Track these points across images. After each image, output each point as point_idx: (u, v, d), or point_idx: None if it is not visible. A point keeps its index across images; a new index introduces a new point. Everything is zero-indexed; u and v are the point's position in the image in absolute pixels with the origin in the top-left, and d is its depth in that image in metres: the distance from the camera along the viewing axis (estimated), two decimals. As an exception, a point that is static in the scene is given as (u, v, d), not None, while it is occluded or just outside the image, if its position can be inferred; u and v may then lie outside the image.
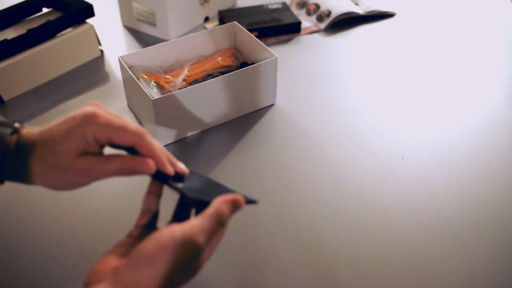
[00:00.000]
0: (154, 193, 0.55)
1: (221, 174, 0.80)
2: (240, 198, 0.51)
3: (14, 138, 0.51)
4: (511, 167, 0.82)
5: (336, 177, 0.80)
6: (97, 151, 0.51)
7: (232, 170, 0.81)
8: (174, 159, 0.54)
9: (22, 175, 0.51)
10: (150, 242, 0.46)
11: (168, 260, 0.45)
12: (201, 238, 0.47)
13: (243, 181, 0.79)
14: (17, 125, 0.52)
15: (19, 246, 0.69)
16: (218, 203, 0.50)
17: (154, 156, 0.51)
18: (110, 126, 0.50)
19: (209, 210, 0.49)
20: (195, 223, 0.48)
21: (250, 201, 0.53)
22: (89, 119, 0.49)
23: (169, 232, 0.47)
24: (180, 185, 0.53)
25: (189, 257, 0.47)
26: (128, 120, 0.52)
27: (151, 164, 0.51)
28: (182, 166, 0.55)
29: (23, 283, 0.65)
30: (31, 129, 0.52)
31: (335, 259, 0.68)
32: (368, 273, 0.66)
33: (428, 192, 0.77)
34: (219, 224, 0.49)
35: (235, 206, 0.51)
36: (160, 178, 0.53)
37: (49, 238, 0.70)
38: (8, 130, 0.51)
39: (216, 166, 0.81)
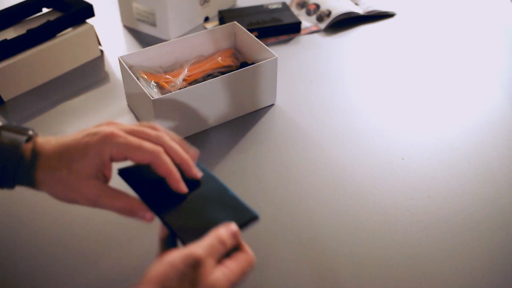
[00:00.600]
0: None
1: (221, 174, 0.80)
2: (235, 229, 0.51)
3: (29, 146, 0.52)
4: (511, 167, 0.82)
5: (336, 177, 0.80)
6: (108, 174, 0.54)
7: (232, 170, 0.81)
8: (190, 162, 0.55)
9: (28, 182, 0.53)
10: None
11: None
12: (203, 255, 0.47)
13: (243, 181, 0.79)
14: (31, 132, 0.53)
15: (19, 246, 0.69)
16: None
17: (168, 174, 0.53)
18: (128, 146, 0.51)
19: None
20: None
21: (249, 220, 0.53)
22: (108, 139, 0.51)
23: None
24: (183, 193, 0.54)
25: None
26: (145, 131, 0.54)
27: (148, 218, 0.53)
28: (197, 174, 0.56)
29: (23, 283, 0.65)
30: (47, 139, 0.53)
31: (335, 259, 0.68)
32: (368, 273, 0.66)
33: (428, 192, 0.77)
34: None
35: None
36: (157, 209, 0.53)
37: (49, 238, 0.70)
38: (23, 138, 0.52)
39: (216, 166, 0.81)
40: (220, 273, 0.47)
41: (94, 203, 0.53)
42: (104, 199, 0.52)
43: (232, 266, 0.48)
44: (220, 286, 0.46)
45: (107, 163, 0.52)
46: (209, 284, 0.45)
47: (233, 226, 0.51)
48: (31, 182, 0.53)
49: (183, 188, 0.54)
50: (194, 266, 0.45)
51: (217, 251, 0.48)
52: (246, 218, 0.53)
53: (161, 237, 0.53)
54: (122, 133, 0.52)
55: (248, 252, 0.51)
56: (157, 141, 0.53)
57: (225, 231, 0.50)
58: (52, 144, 0.53)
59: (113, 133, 0.52)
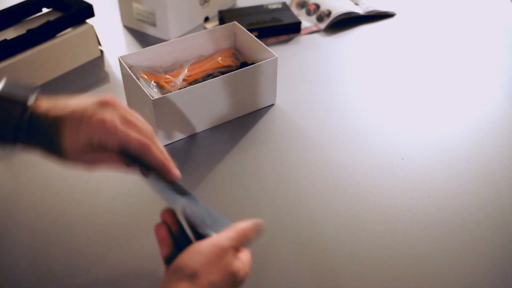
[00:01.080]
0: (164, 223, 0.55)
1: (221, 174, 0.80)
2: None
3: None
4: (511, 167, 0.82)
5: (336, 177, 0.80)
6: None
7: (232, 170, 0.81)
8: (172, 162, 0.56)
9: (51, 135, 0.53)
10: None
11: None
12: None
13: (243, 181, 0.79)
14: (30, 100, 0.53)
15: (19, 246, 0.69)
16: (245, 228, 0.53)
17: (159, 166, 0.54)
18: (116, 135, 0.52)
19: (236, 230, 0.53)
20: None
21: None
22: (100, 126, 0.52)
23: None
24: (188, 210, 0.54)
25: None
26: (137, 124, 0.54)
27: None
28: (178, 174, 0.56)
29: (23, 283, 0.65)
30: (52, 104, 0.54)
31: (335, 259, 0.68)
32: (368, 273, 0.66)
33: (428, 192, 0.77)
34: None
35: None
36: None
37: (49, 238, 0.70)
38: (31, 97, 0.53)
39: (216, 166, 0.81)
40: (239, 263, 0.50)
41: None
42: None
43: (244, 258, 0.52)
44: (240, 274, 0.50)
45: (97, 147, 0.53)
46: (232, 271, 0.49)
47: (260, 222, 0.54)
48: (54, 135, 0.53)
49: (176, 173, 0.55)
50: (220, 255, 0.49)
51: (240, 244, 0.52)
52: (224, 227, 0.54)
53: (165, 256, 0.54)
54: (114, 119, 0.52)
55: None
56: (146, 135, 0.54)
57: (252, 227, 0.53)
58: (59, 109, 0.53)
59: (104, 120, 0.52)
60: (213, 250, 0.49)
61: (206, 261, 0.49)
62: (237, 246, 0.51)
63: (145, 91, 0.80)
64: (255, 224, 0.54)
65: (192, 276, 0.48)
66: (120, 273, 0.66)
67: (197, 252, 0.49)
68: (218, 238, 0.51)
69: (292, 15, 1.15)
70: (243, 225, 0.53)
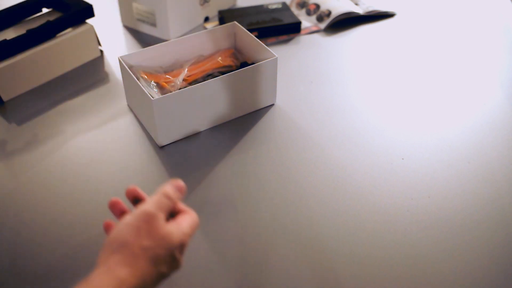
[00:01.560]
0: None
1: (221, 174, 0.80)
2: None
3: None
4: (511, 167, 0.82)
5: (336, 177, 0.80)
6: None
7: (232, 170, 0.81)
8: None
9: None
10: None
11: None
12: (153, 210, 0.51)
13: (243, 181, 0.79)
14: None
15: (19, 246, 0.69)
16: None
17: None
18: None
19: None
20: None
21: None
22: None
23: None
24: None
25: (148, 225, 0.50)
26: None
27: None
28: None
29: (23, 283, 0.65)
30: None
31: (335, 259, 0.68)
32: (368, 273, 0.66)
33: (428, 192, 0.77)
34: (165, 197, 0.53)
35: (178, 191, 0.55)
36: None
37: (49, 238, 0.70)
38: None
39: (216, 166, 0.81)
40: (173, 226, 0.51)
41: None
42: None
43: (181, 220, 0.53)
44: (174, 236, 0.50)
45: None
46: (164, 234, 0.49)
47: (178, 181, 0.55)
48: None
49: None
50: (147, 220, 0.50)
51: (165, 205, 0.52)
52: None
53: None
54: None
55: (192, 212, 0.55)
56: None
57: (170, 186, 0.54)
58: None
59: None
60: (140, 217, 0.50)
61: (133, 229, 0.49)
62: (161, 207, 0.51)
63: (145, 91, 0.80)
64: (172, 183, 0.54)
65: (122, 245, 0.48)
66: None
67: (125, 224, 0.50)
68: (143, 206, 0.51)
69: (292, 15, 1.15)
70: (163, 188, 0.54)
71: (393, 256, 0.68)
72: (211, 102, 0.85)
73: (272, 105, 0.94)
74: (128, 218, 0.50)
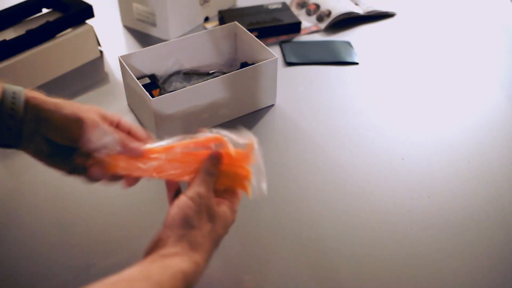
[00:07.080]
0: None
1: (221, 174, 0.80)
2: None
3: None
4: (511, 167, 0.82)
5: (336, 177, 0.80)
6: None
7: (232, 170, 0.81)
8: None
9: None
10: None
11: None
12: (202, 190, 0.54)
13: (243, 181, 0.79)
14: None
15: (19, 246, 0.69)
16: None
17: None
18: None
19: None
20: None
21: None
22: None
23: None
24: None
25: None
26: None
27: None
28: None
29: (23, 283, 0.65)
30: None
31: (335, 259, 0.68)
32: (368, 273, 0.66)
33: (428, 192, 0.77)
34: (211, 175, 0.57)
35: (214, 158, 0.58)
36: None
37: (49, 238, 0.70)
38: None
39: (216, 166, 0.81)
40: (225, 206, 0.56)
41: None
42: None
43: (228, 200, 0.58)
44: (229, 216, 0.56)
45: None
46: (221, 214, 0.55)
47: (213, 154, 0.58)
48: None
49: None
50: (204, 203, 0.53)
51: (212, 183, 0.56)
52: None
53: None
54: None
55: (237, 192, 0.60)
56: None
57: (209, 162, 0.57)
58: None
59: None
60: (197, 201, 0.53)
61: (196, 213, 0.52)
62: (209, 187, 0.55)
63: (145, 91, 0.80)
64: (209, 158, 0.57)
65: (190, 230, 0.51)
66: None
67: (188, 207, 0.52)
68: (194, 188, 0.54)
69: (292, 15, 1.15)
70: (203, 165, 0.57)
71: (393, 256, 0.68)
72: (211, 102, 0.85)
73: (272, 105, 0.94)
74: (185, 201, 0.53)
